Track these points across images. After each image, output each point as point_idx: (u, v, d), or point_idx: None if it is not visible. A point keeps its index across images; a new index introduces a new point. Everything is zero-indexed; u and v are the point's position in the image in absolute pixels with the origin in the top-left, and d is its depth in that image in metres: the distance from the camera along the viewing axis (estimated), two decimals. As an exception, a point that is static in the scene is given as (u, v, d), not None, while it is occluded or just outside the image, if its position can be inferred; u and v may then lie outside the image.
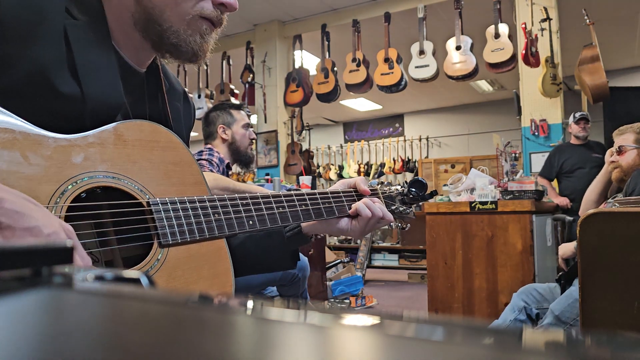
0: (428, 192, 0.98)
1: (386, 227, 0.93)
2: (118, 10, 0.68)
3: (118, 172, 0.62)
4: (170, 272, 0.64)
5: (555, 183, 3.78)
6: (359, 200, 0.89)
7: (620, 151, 2.03)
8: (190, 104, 0.88)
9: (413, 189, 0.97)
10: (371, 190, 0.93)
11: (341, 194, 0.88)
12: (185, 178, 0.70)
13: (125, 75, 0.70)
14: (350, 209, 0.88)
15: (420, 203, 1.01)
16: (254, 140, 2.29)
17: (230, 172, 2.27)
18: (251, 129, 2.30)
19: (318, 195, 0.84)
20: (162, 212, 0.64)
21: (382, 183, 0.99)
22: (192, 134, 0.93)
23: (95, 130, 0.61)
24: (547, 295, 1.91)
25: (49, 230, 0.46)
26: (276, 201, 0.78)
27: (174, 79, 0.84)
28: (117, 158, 0.62)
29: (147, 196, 0.64)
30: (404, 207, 0.97)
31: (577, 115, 3.72)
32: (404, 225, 0.98)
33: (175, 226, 0.64)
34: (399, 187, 0.99)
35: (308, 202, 0.82)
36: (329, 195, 0.86)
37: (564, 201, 3.47)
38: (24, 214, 0.45)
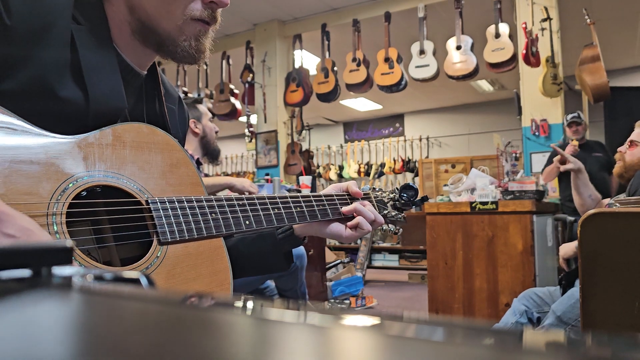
0: (419, 197, 1.00)
1: (379, 230, 0.95)
2: (115, 16, 0.69)
3: (117, 172, 0.63)
4: (169, 270, 0.64)
5: (556, 183, 3.78)
6: (351, 202, 0.91)
7: (632, 145, 1.96)
8: (184, 108, 0.90)
9: (404, 194, 0.99)
10: (363, 194, 0.95)
11: (335, 197, 0.89)
12: (183, 179, 0.71)
13: (126, 77, 0.71)
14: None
15: (412, 208, 1.03)
16: (217, 132, 2.35)
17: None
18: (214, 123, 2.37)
19: (312, 198, 0.86)
20: (161, 211, 0.64)
21: (374, 188, 1.01)
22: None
23: (94, 131, 0.62)
24: (547, 298, 1.91)
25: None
26: (271, 202, 0.79)
27: (169, 84, 0.86)
28: (116, 158, 0.63)
29: (146, 195, 0.65)
30: (396, 212, 0.99)
31: (569, 118, 3.70)
32: (396, 230, 0.99)
33: (174, 224, 0.65)
34: (390, 193, 1.01)
35: (303, 204, 0.83)
36: (323, 198, 0.87)
37: (571, 148, 3.47)
38: (33, 231, 0.49)
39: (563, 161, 2.14)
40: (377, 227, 0.92)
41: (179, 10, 0.66)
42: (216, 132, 2.33)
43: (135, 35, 0.69)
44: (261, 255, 0.89)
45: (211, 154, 2.30)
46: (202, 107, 2.31)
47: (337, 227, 0.89)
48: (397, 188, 1.02)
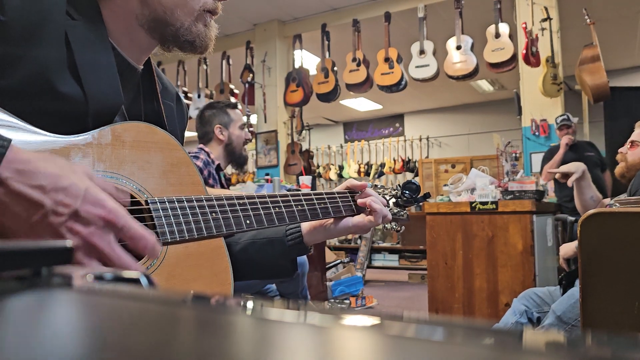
0: (421, 194, 0.99)
1: (380, 228, 0.94)
2: (119, 10, 0.69)
3: (116, 172, 0.62)
4: (170, 270, 0.64)
5: (552, 185, 3.78)
6: (353, 200, 0.90)
7: (632, 145, 1.96)
8: (183, 105, 0.90)
9: (406, 192, 0.98)
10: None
11: (336, 195, 0.89)
12: (183, 178, 0.70)
13: (123, 73, 0.71)
14: (345, 209, 0.88)
15: (414, 205, 1.02)
16: (248, 141, 2.25)
17: (230, 173, 2.24)
18: (247, 129, 2.25)
19: (314, 196, 0.85)
20: (161, 211, 0.64)
21: (375, 186, 1.00)
22: (188, 134, 0.94)
23: (92, 131, 0.62)
24: (547, 298, 1.91)
25: (85, 185, 0.48)
26: (272, 201, 0.78)
27: (166, 80, 0.86)
28: (115, 158, 0.63)
29: (146, 195, 0.64)
30: (398, 210, 0.98)
31: (558, 121, 3.71)
32: (399, 227, 0.98)
33: (174, 225, 0.65)
34: (392, 190, 1.00)
35: (304, 202, 0.83)
36: (324, 196, 0.87)
37: (566, 139, 3.48)
38: (59, 175, 0.47)
39: (565, 175, 2.12)
40: (385, 222, 0.91)
41: (194, 2, 0.70)
42: (247, 140, 2.22)
43: (142, 26, 0.70)
44: (269, 261, 0.89)
45: (237, 161, 2.21)
46: (234, 114, 2.19)
47: (345, 221, 0.89)
48: (399, 185, 1.01)
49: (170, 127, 0.78)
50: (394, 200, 0.99)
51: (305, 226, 0.88)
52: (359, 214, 0.90)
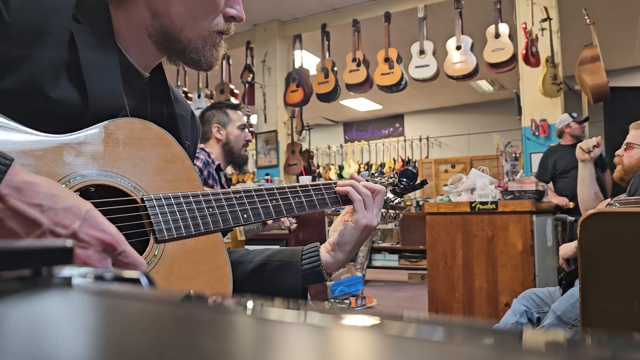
0: (418, 181, 0.99)
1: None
2: (132, 19, 0.69)
3: (110, 170, 0.62)
4: (168, 268, 0.64)
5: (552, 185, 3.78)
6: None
7: (627, 148, 1.98)
8: (196, 121, 0.89)
9: (403, 179, 0.98)
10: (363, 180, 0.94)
11: (332, 184, 0.88)
12: (178, 174, 0.70)
13: (129, 77, 0.70)
14: (343, 200, 0.87)
15: (411, 193, 1.02)
16: (248, 142, 2.27)
17: (230, 173, 2.24)
18: (247, 130, 2.27)
19: (310, 187, 0.84)
20: (157, 208, 0.64)
21: (372, 174, 1.00)
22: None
23: (85, 129, 0.61)
24: (547, 299, 1.91)
25: (86, 207, 0.48)
26: (269, 194, 0.78)
27: (179, 94, 0.86)
28: (109, 156, 0.62)
29: (141, 193, 0.64)
30: (395, 197, 0.98)
31: (583, 117, 3.72)
32: (395, 214, 0.99)
33: (171, 221, 0.64)
34: (389, 178, 1.00)
35: (301, 194, 0.82)
36: (321, 186, 0.86)
37: (563, 201, 3.47)
38: (60, 196, 0.47)
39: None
40: (378, 195, 0.87)
41: (205, 23, 0.69)
42: (247, 141, 2.24)
43: (151, 38, 0.69)
44: (281, 287, 0.84)
45: (236, 161, 2.23)
46: (234, 114, 2.23)
47: (350, 229, 0.84)
48: (395, 173, 1.01)
49: (183, 135, 0.77)
50: (391, 188, 0.99)
51: (323, 249, 0.84)
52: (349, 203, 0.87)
